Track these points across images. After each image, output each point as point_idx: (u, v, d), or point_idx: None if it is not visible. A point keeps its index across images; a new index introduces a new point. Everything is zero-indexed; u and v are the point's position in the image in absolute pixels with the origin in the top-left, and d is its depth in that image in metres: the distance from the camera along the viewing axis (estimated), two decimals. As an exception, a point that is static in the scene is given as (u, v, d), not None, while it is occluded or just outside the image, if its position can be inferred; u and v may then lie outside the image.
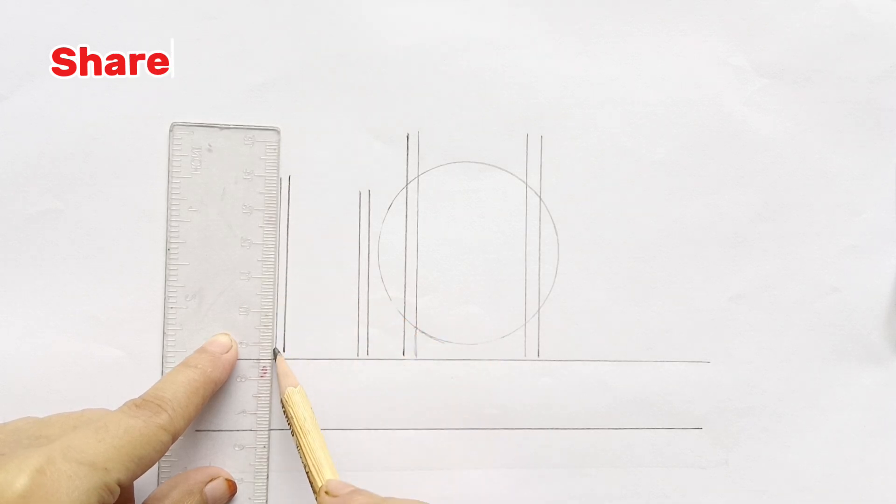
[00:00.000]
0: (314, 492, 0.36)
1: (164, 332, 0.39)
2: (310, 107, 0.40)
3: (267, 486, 0.39)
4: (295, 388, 0.38)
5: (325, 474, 0.36)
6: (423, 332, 0.40)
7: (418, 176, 0.40)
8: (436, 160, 0.40)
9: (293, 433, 0.37)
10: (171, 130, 0.38)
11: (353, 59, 0.40)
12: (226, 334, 0.39)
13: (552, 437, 0.40)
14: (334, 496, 0.35)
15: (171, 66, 0.39)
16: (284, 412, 0.38)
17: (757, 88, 0.41)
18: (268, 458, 0.39)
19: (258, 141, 0.39)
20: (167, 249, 0.38)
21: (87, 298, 0.39)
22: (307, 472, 0.36)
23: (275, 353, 0.39)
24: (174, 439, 0.35)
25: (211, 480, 0.38)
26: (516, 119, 0.41)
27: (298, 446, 0.37)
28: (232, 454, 0.39)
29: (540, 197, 0.41)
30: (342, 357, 0.40)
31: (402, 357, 0.40)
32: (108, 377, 0.39)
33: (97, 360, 0.39)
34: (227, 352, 0.38)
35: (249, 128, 0.39)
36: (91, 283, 0.39)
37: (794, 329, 0.42)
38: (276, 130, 0.39)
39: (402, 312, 0.40)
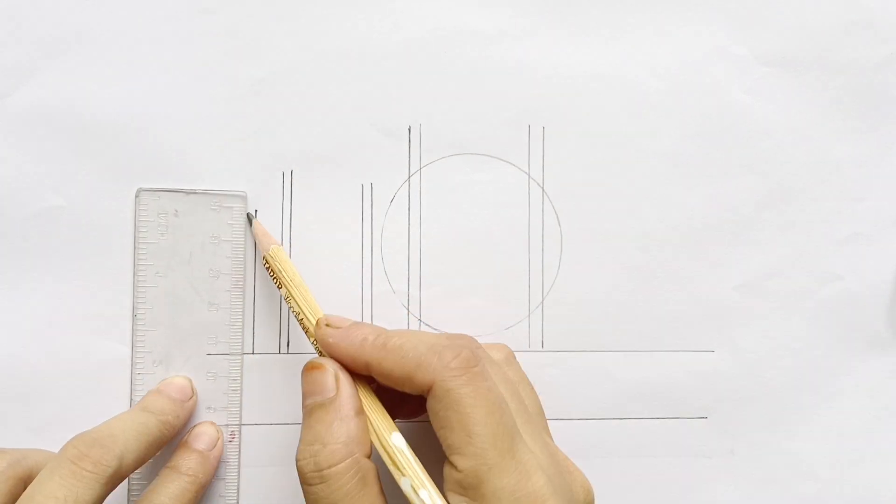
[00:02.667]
0: (308, 334, 0.35)
1: (130, 398, 0.38)
2: (311, 100, 0.40)
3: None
4: (279, 246, 0.38)
5: (316, 314, 0.36)
6: (427, 325, 0.40)
7: (420, 168, 0.40)
8: (438, 152, 0.40)
9: (281, 287, 0.37)
10: (136, 196, 0.38)
11: (354, 51, 0.40)
12: (212, 424, 0.38)
13: (557, 427, 0.40)
14: (336, 327, 0.34)
15: (170, 66, 0.39)
16: (269, 270, 0.37)
17: (758, 77, 0.41)
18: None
19: (225, 206, 0.39)
20: (134, 316, 0.38)
21: (90, 294, 0.39)
22: (301, 321, 0.36)
23: (249, 218, 0.39)
24: None
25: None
26: (518, 110, 0.41)
27: (289, 297, 0.37)
28: None
29: (542, 188, 0.41)
30: (346, 350, 0.40)
31: (406, 350, 0.40)
32: (112, 374, 0.39)
33: (101, 357, 0.39)
34: (215, 447, 0.38)
35: (216, 193, 0.39)
36: (93, 279, 0.39)
37: (798, 317, 0.42)
38: (242, 196, 0.39)
39: (406, 305, 0.40)
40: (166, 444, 0.37)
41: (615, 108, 0.41)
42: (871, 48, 0.42)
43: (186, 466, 0.36)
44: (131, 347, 0.38)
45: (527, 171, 0.41)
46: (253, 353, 0.39)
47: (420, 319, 0.40)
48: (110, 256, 0.39)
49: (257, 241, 0.39)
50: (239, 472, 0.39)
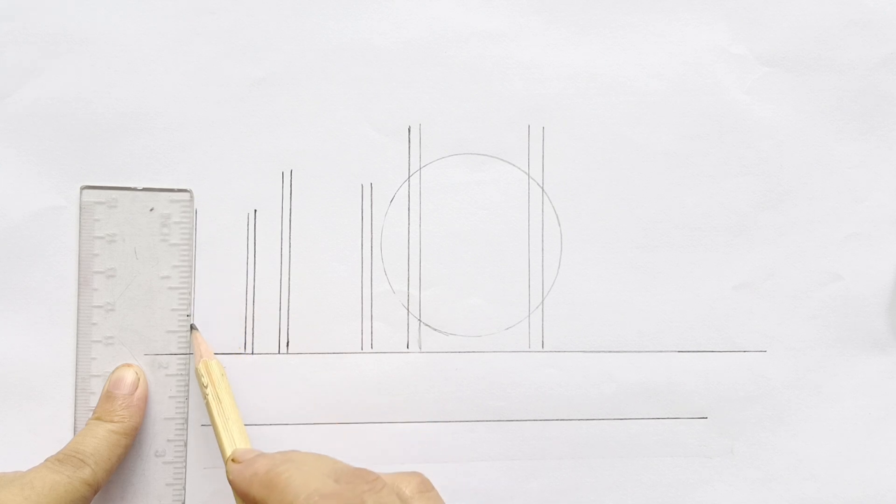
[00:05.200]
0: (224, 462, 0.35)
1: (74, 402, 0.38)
2: (311, 100, 0.40)
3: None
4: (211, 359, 0.37)
5: (237, 444, 0.35)
6: (426, 325, 0.40)
7: (420, 168, 0.40)
8: (438, 152, 0.40)
9: (206, 404, 0.37)
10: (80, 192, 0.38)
11: (354, 51, 0.40)
12: (129, 366, 0.38)
13: (557, 428, 0.40)
14: (239, 462, 0.34)
15: (170, 66, 0.39)
16: (200, 383, 0.37)
17: (758, 77, 0.41)
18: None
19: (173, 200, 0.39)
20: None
21: (99, 296, 0.39)
22: (219, 443, 0.36)
23: (191, 328, 0.39)
24: (96, 493, 0.35)
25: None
26: (518, 110, 0.41)
27: (210, 416, 0.36)
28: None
29: (542, 188, 0.41)
30: (346, 351, 0.40)
31: (406, 350, 0.40)
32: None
33: (101, 358, 0.39)
34: (136, 390, 0.38)
35: (160, 189, 0.39)
36: (102, 281, 0.39)
37: (798, 317, 0.42)
38: (188, 191, 0.39)
39: (406, 305, 0.40)
40: (133, 438, 0.37)
41: (615, 108, 0.41)
42: (870, 48, 0.42)
43: (109, 414, 0.37)
44: (75, 350, 0.38)
45: (527, 171, 0.41)
46: (253, 354, 0.39)
47: (420, 320, 0.40)
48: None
49: (195, 352, 0.38)
50: (185, 478, 0.39)
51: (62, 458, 0.35)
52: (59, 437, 0.37)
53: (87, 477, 0.34)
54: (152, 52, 0.39)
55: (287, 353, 0.39)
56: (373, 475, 0.31)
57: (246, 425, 0.39)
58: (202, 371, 0.37)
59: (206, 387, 0.37)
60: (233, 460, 0.34)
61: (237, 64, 0.40)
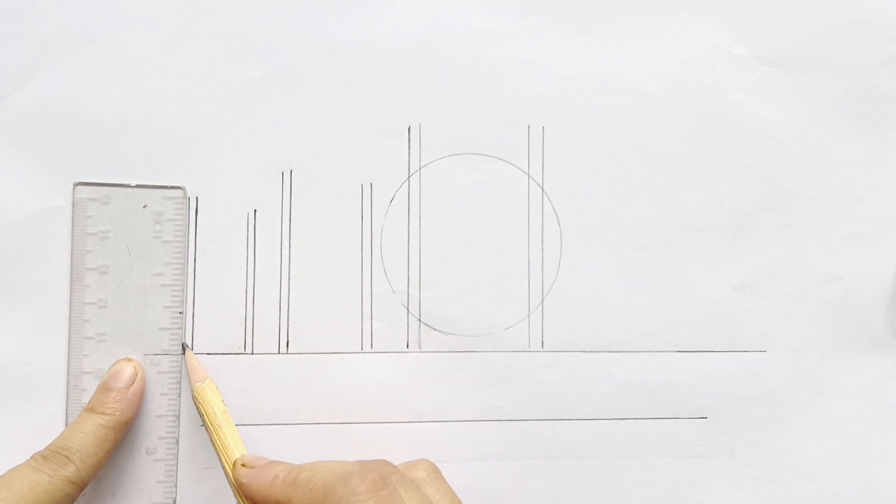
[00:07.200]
0: (229, 479, 0.35)
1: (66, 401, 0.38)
2: (311, 100, 0.40)
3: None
4: (204, 382, 0.37)
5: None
6: (426, 325, 0.40)
7: (420, 168, 0.40)
8: (437, 152, 0.40)
9: (206, 428, 0.37)
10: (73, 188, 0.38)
11: (354, 51, 0.40)
12: (129, 360, 0.38)
13: (557, 427, 0.40)
14: (251, 467, 0.34)
15: (170, 66, 0.39)
16: (196, 408, 0.37)
17: (758, 77, 0.41)
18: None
19: (166, 197, 0.39)
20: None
21: (91, 293, 0.39)
22: (223, 466, 0.36)
23: (183, 348, 0.39)
24: (82, 490, 0.35)
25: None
26: (518, 110, 0.41)
27: (212, 440, 0.37)
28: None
29: (542, 188, 0.41)
30: (346, 351, 0.40)
31: (406, 350, 0.40)
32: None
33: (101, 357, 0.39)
34: (133, 384, 0.37)
35: (153, 186, 0.39)
36: (94, 277, 0.39)
37: (798, 317, 0.42)
38: (181, 188, 0.39)
39: (406, 305, 0.40)
40: (123, 434, 0.37)
41: (615, 109, 0.41)
42: (871, 48, 0.42)
43: (102, 406, 0.37)
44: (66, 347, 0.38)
45: (526, 171, 0.41)
46: (252, 354, 0.39)
47: (420, 319, 0.40)
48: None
49: (188, 375, 0.38)
50: (177, 475, 0.39)
51: (47, 455, 0.35)
52: (53, 434, 0.36)
53: (70, 475, 0.34)
54: (152, 52, 0.39)
55: (287, 353, 0.39)
56: (386, 461, 0.33)
57: (245, 425, 0.39)
58: (196, 398, 0.37)
59: (201, 414, 0.37)
60: (243, 464, 0.34)
61: (237, 64, 0.40)
